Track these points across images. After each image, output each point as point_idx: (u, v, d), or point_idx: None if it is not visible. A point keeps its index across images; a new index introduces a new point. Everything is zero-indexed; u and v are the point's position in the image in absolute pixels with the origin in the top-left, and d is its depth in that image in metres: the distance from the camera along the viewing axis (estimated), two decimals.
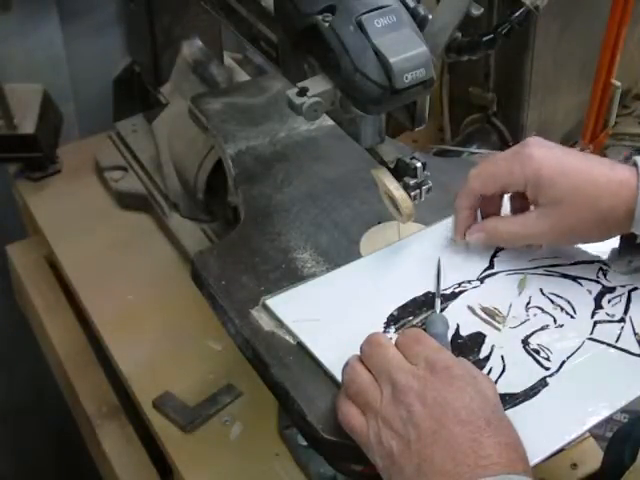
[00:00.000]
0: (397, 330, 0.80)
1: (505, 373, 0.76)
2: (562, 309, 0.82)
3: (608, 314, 0.81)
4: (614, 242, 0.86)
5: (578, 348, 0.78)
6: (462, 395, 0.64)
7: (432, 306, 0.82)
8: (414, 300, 0.83)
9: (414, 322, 0.81)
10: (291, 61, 0.84)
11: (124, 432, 1.12)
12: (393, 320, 0.81)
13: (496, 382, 0.74)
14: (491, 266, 0.87)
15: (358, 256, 0.89)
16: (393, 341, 0.73)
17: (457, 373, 0.66)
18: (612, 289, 0.83)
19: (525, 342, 0.79)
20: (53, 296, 1.31)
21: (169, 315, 1.17)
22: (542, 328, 0.80)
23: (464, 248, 0.89)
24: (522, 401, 0.73)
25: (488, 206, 0.87)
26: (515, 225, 0.84)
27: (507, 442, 0.62)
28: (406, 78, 0.75)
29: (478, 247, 0.89)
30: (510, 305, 0.82)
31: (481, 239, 0.86)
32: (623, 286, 0.84)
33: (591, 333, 0.79)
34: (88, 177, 1.42)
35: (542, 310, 0.82)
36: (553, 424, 0.71)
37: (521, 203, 0.86)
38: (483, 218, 0.87)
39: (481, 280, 0.86)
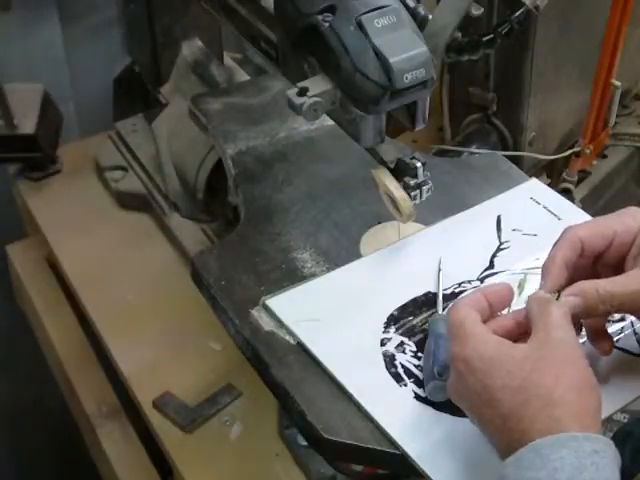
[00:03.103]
0: (397, 330, 0.80)
1: None
2: None
3: None
4: None
5: None
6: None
7: (432, 306, 0.82)
8: (414, 300, 0.83)
9: (414, 322, 0.81)
10: (291, 61, 0.84)
11: (124, 432, 1.12)
12: (393, 320, 0.81)
13: None
14: (491, 266, 0.87)
15: (358, 256, 0.89)
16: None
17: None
18: None
19: None
20: (53, 296, 1.31)
21: (169, 315, 1.17)
22: None
23: (464, 248, 0.89)
24: None
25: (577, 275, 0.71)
26: (615, 282, 0.68)
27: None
28: (406, 78, 0.75)
29: (478, 247, 0.89)
30: (510, 305, 0.82)
31: (577, 306, 0.67)
32: None
33: None
34: (88, 177, 1.42)
35: None
36: None
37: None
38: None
39: (481, 280, 0.86)
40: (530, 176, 1.03)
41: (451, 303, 0.82)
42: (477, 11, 0.88)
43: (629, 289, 0.67)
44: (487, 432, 0.64)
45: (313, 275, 0.87)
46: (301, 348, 0.78)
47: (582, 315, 0.67)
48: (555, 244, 0.71)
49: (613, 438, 0.81)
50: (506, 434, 0.61)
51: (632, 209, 0.73)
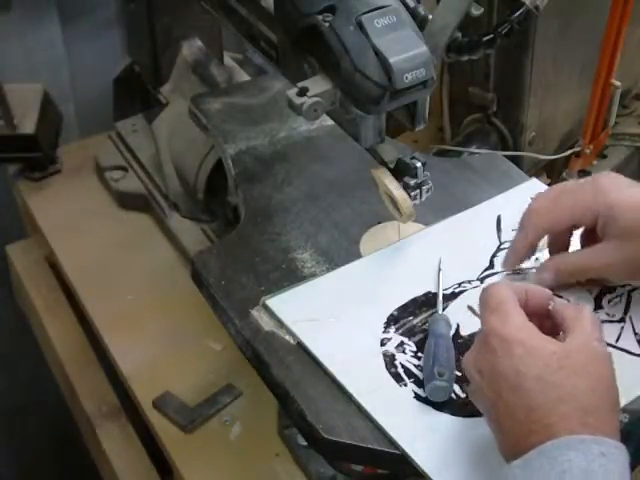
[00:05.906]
0: (397, 330, 0.80)
1: None
2: None
3: (608, 314, 0.81)
4: None
5: None
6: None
7: (432, 306, 0.82)
8: (414, 300, 0.83)
9: (414, 322, 0.81)
10: (291, 61, 0.84)
11: (124, 432, 1.12)
12: (393, 320, 0.81)
13: None
14: (491, 266, 0.87)
15: (358, 256, 0.89)
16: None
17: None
18: (612, 289, 0.83)
19: None
20: (53, 296, 1.30)
21: (169, 315, 1.17)
22: None
23: (464, 248, 0.89)
24: None
25: (556, 243, 0.83)
26: (583, 259, 0.79)
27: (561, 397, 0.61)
28: (406, 78, 0.75)
29: (478, 247, 0.89)
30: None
31: (548, 281, 0.79)
32: (623, 286, 0.84)
33: None
34: (88, 177, 1.42)
35: None
36: None
37: (593, 240, 0.79)
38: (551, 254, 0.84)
39: (481, 280, 0.86)
40: (530, 176, 1.03)
41: (451, 303, 0.82)
42: (477, 11, 0.88)
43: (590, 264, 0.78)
44: (497, 417, 0.63)
45: (313, 275, 0.87)
46: (301, 348, 0.78)
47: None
48: (519, 230, 0.81)
49: None
50: (524, 425, 0.61)
51: (600, 176, 0.79)
